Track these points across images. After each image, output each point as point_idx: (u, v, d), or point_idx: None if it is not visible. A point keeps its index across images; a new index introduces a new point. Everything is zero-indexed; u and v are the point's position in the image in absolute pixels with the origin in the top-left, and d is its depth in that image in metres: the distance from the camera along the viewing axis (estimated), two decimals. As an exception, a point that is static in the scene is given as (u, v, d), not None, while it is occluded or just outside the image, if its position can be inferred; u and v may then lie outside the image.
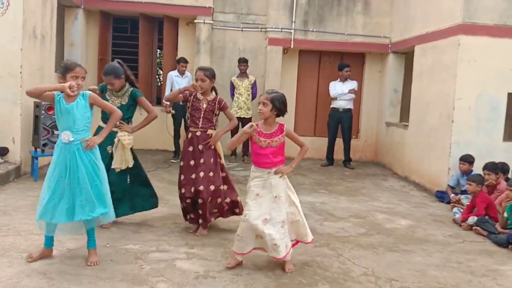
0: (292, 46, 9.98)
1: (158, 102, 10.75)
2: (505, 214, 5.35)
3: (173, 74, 9.25)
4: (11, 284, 3.48)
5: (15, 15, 6.76)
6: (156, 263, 4.07)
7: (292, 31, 9.91)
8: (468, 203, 6.04)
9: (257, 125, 4.05)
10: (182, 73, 9.21)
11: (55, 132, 6.92)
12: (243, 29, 10.30)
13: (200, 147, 4.93)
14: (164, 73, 10.33)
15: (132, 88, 5.00)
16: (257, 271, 4.05)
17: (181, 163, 5.05)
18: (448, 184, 7.08)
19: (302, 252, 4.54)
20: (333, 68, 10.45)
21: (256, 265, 4.17)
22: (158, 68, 11.74)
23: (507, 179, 6.40)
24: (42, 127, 6.84)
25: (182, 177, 4.99)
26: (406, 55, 9.93)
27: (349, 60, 10.15)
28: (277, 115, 4.06)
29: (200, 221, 4.99)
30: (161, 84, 11.84)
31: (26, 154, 7.11)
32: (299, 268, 4.15)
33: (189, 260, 4.19)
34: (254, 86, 9.56)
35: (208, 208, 4.89)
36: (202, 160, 4.92)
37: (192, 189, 4.86)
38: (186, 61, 9.26)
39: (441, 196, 7.10)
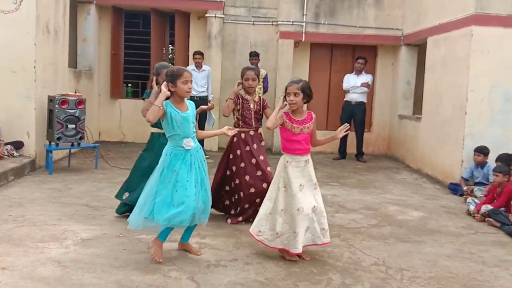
0: (303, 39, 9.96)
1: (171, 97, 10.78)
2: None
3: (189, 69, 9.18)
4: (27, 272, 3.55)
5: (28, 11, 6.85)
6: (168, 253, 4.11)
7: (304, 24, 9.89)
8: (483, 195, 6.02)
9: (287, 113, 4.13)
10: (198, 66, 9.12)
11: (69, 126, 7.03)
12: (254, 22, 10.31)
13: (255, 145, 5.04)
14: (176, 68, 10.37)
15: None
16: (268, 260, 4.08)
17: (242, 165, 5.02)
18: (462, 176, 7.03)
19: (313, 242, 4.56)
20: (345, 61, 10.45)
21: (267, 255, 4.19)
22: (170, 63, 11.77)
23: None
24: (56, 121, 6.93)
25: (248, 177, 4.97)
26: (419, 47, 9.86)
27: (361, 53, 10.08)
28: (305, 102, 4.13)
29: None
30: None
31: (40, 147, 7.21)
32: (310, 258, 4.16)
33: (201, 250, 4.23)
34: (265, 79, 9.54)
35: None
36: (261, 157, 5.03)
37: (264, 185, 4.84)
38: (201, 53, 9.20)
39: (454, 189, 7.05)
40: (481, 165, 6.83)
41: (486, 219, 5.49)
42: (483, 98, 7.09)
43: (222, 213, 5.27)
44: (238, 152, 5.06)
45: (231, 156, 5.11)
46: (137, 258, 3.95)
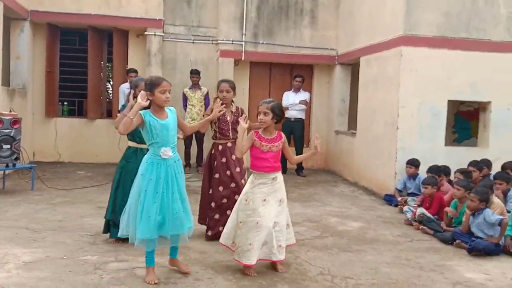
0: (243, 58, 10.17)
1: (109, 115, 10.62)
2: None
3: (124, 87, 9.05)
4: (-33, 298, 3.41)
5: (-41, 27, 6.58)
6: (116, 273, 4.07)
7: (243, 43, 10.11)
8: (416, 205, 6.39)
9: (256, 132, 4.27)
10: None
11: (4, 146, 6.78)
12: (194, 41, 10.41)
13: (233, 157, 5.09)
14: (115, 86, 10.25)
15: None
16: (217, 275, 4.13)
17: (216, 175, 5.11)
18: (396, 188, 7.41)
19: (260, 255, 4.66)
20: (283, 79, 10.79)
21: (216, 270, 4.25)
22: (108, 81, 11.60)
23: (449, 181, 6.81)
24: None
25: (221, 188, 5.07)
26: (352, 66, 10.33)
27: (298, 72, 10.40)
28: (276, 122, 4.28)
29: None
30: (111, 97, 11.71)
31: (-28, 169, 6.88)
32: (258, 270, 4.25)
33: (149, 268, 4.20)
34: (206, 97, 9.63)
35: None
36: (238, 169, 5.10)
37: (236, 197, 4.87)
38: (135, 71, 9.11)
39: (389, 199, 7.42)
40: (413, 176, 7.24)
41: (420, 227, 5.84)
42: (413, 114, 7.55)
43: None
44: (215, 163, 5.16)
45: (211, 167, 5.20)
46: (84, 280, 3.88)
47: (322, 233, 5.64)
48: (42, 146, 10.02)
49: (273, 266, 4.31)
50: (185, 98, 9.60)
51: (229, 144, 5.17)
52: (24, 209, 6.11)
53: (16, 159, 6.97)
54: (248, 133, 4.39)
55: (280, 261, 4.25)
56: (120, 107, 9.06)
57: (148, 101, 3.81)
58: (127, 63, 10.37)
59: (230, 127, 5.18)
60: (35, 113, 10.00)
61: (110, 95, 12.88)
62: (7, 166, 7.00)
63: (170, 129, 3.91)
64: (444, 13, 7.50)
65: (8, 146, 6.83)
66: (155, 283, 3.85)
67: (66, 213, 5.98)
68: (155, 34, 9.90)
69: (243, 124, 4.18)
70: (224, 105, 5.10)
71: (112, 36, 10.18)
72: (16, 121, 6.96)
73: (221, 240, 4.38)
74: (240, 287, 3.90)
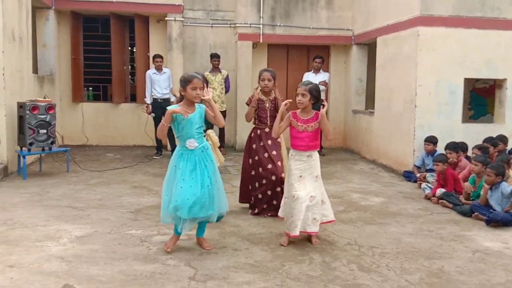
0: (261, 41, 10.40)
1: (133, 99, 10.97)
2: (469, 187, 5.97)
3: (150, 73, 9.36)
4: (34, 268, 3.78)
5: (-5, 19, 6.90)
6: (161, 244, 4.43)
7: (261, 26, 10.34)
8: (435, 180, 6.65)
9: (294, 112, 4.57)
10: (159, 69, 9.34)
11: (41, 131, 7.14)
12: (213, 25, 10.65)
13: (269, 141, 5.43)
14: (138, 71, 10.57)
15: None
16: (253, 246, 4.48)
17: (256, 158, 5.47)
18: (414, 164, 7.68)
19: (291, 228, 5.00)
20: (301, 60, 11.02)
21: (251, 241, 4.59)
22: (131, 66, 11.89)
23: (467, 157, 7.06)
24: (28, 126, 7.01)
25: (260, 169, 5.43)
26: (369, 46, 10.51)
27: (315, 53, 10.62)
28: (314, 103, 4.56)
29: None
30: (134, 81, 12.03)
31: (12, 153, 7.26)
32: (290, 242, 4.59)
33: (190, 241, 4.56)
34: (226, 80, 9.92)
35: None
36: (274, 152, 5.42)
37: (273, 178, 5.29)
38: (161, 56, 9.39)
39: (408, 176, 7.70)
40: (431, 153, 7.49)
41: (440, 201, 6.12)
42: (430, 92, 7.77)
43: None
44: (254, 146, 5.53)
45: (250, 150, 5.57)
46: (134, 251, 4.25)
47: (346, 208, 5.96)
48: (70, 131, 10.42)
49: (308, 238, 4.64)
50: (206, 82, 9.87)
51: (267, 130, 5.49)
52: (64, 189, 6.50)
53: (52, 143, 7.35)
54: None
55: (313, 233, 4.57)
56: (146, 92, 9.40)
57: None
58: (149, 48, 10.65)
59: (268, 114, 5.51)
60: (62, 98, 10.38)
61: (131, 80, 13.19)
62: (43, 150, 7.38)
63: (194, 123, 4.20)
64: (460, -7, 7.67)
65: (45, 131, 7.20)
66: (167, 251, 4.22)
67: (104, 193, 6.37)
68: (175, 20, 10.15)
69: (282, 108, 4.58)
70: (265, 94, 5.53)
71: (134, 22, 10.46)
72: (51, 107, 7.32)
73: (279, 213, 4.85)
74: (275, 256, 4.24)
